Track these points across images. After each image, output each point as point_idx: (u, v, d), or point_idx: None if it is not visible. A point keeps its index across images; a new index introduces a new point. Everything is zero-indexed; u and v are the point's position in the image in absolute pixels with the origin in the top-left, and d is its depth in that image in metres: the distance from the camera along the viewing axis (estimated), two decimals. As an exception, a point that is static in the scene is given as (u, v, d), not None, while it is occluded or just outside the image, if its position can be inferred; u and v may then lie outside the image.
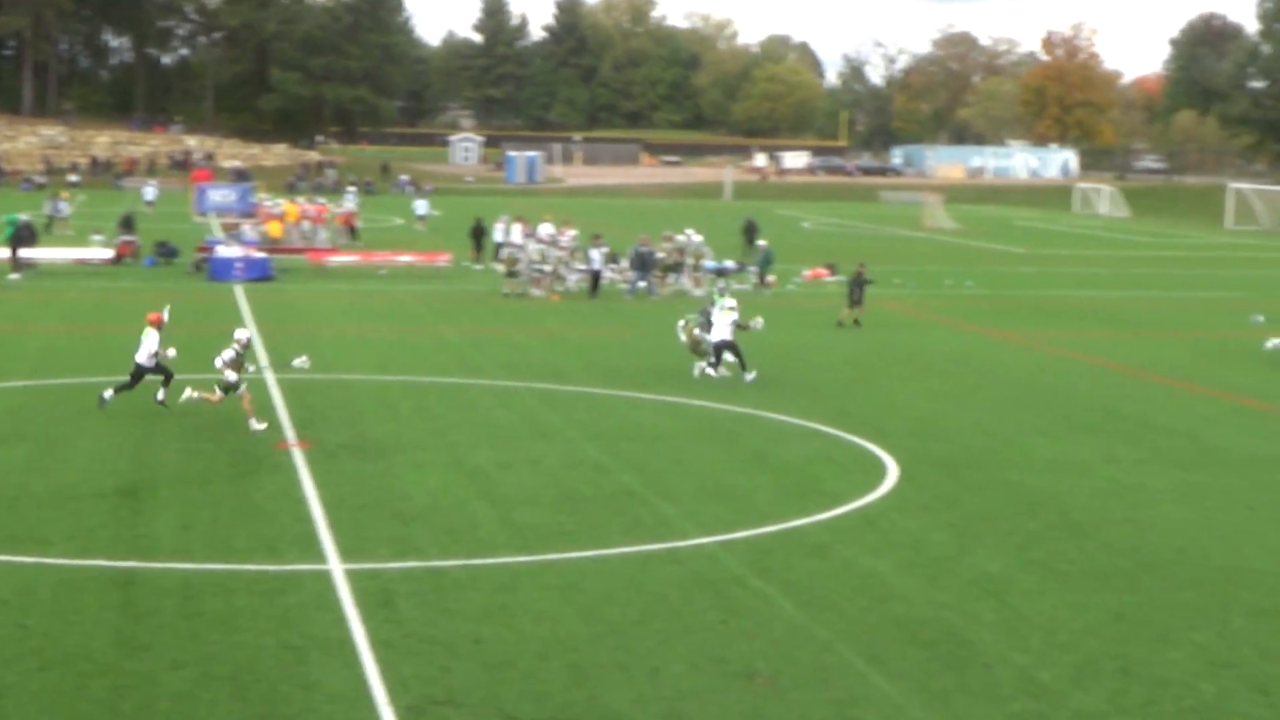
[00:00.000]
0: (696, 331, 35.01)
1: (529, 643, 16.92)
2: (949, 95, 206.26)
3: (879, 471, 25.96)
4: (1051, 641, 17.51)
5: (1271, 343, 28.42)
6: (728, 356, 34.43)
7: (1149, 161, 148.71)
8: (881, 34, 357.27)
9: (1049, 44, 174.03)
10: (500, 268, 53.75)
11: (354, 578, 18.98)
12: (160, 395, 28.98)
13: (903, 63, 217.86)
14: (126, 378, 29.38)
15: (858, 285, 45.38)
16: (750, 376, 34.05)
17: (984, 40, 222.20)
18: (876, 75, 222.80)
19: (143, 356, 28.98)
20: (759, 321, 35.19)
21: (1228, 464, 27.53)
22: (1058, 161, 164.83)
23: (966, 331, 45.02)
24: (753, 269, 56.78)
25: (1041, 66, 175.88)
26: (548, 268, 51.17)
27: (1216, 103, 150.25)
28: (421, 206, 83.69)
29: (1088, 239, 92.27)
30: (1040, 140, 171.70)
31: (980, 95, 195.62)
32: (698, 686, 15.86)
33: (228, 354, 28.31)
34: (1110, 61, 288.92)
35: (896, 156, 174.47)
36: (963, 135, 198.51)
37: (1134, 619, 18.41)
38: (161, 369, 29.18)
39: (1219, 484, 25.89)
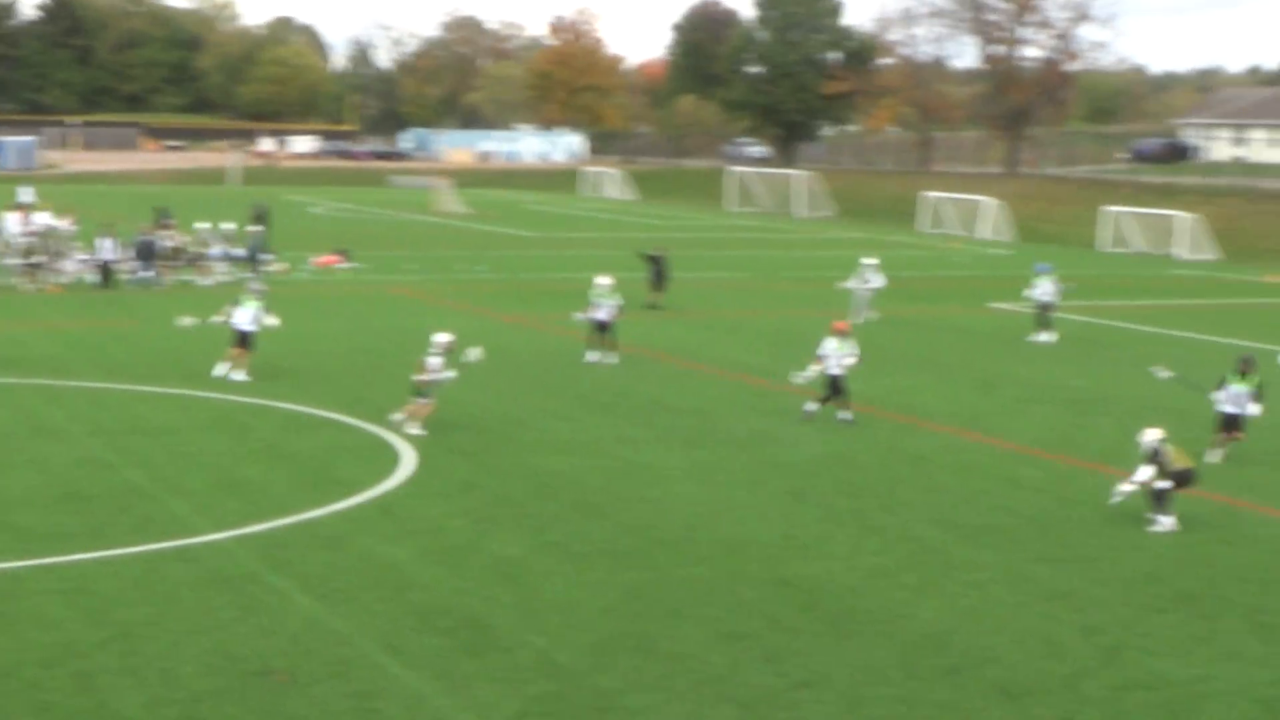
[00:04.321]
0: None
1: (32, 650, 16.19)
2: (457, 79, 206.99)
3: (395, 459, 25.82)
4: (569, 622, 17.70)
5: (1163, 374, 29.60)
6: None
7: (749, 148, 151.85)
8: (387, 17, 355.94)
9: (555, 29, 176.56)
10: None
11: None
12: None
13: (410, 46, 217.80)
14: None
15: (657, 268, 47.47)
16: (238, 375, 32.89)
17: (491, 24, 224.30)
18: (384, 59, 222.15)
19: None
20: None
21: (733, 441, 28.41)
22: (566, 145, 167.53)
23: (480, 316, 45.24)
24: (266, 256, 55.70)
25: (548, 51, 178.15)
26: (43, 258, 48.98)
27: (716, 87, 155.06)
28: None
29: (597, 222, 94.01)
30: (548, 124, 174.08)
31: (488, 79, 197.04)
32: (214, 687, 15.44)
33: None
34: (615, 47, 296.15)
35: (406, 141, 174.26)
36: (472, 119, 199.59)
37: (648, 596, 18.78)
38: None
39: (726, 461, 26.69)
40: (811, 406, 30.60)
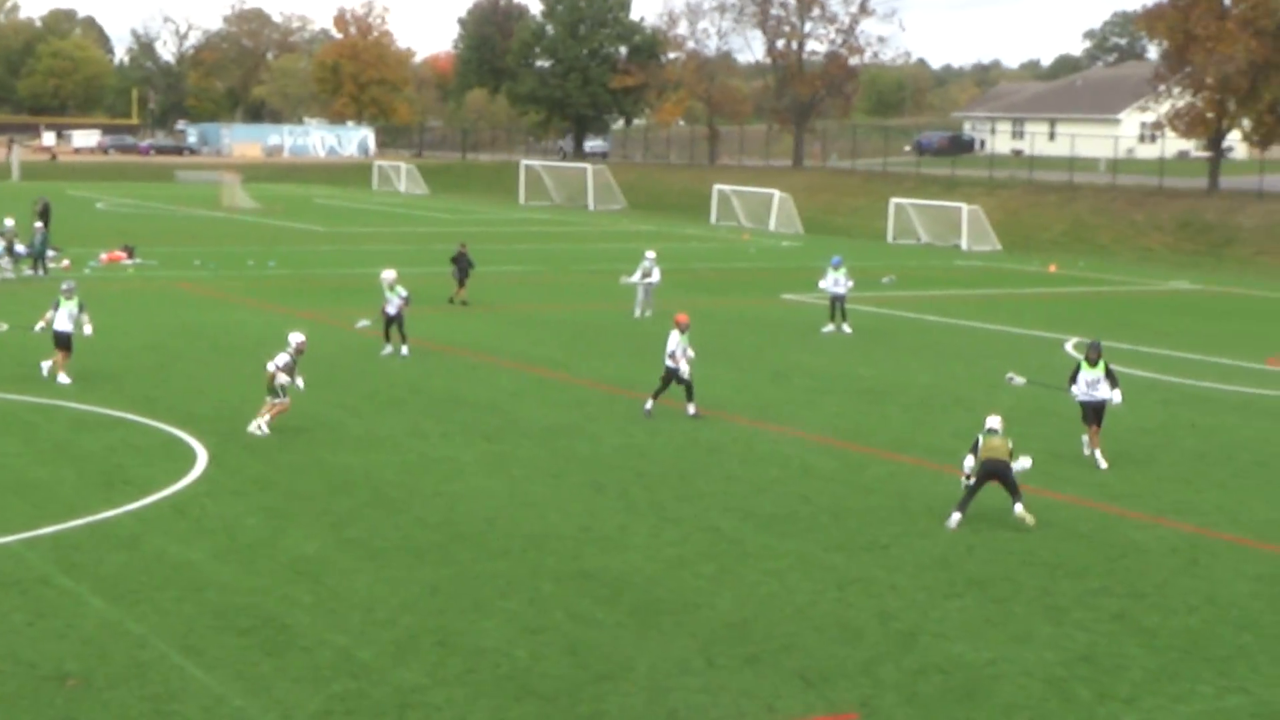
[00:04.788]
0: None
1: None
2: (243, 72, 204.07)
3: (188, 458, 25.45)
4: (370, 619, 17.60)
5: (1017, 380, 29.49)
6: None
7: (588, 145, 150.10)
8: (171, 9, 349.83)
9: (341, 21, 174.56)
10: None
11: None
12: None
13: (194, 39, 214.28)
14: None
15: (461, 264, 47.22)
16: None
17: (276, 17, 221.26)
18: (167, 52, 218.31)
19: None
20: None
21: (531, 434, 28.42)
22: (356, 139, 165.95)
23: (271, 312, 44.73)
24: (52, 252, 54.47)
25: (335, 44, 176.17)
26: None
27: (506, 81, 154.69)
28: None
29: (389, 216, 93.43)
30: (337, 118, 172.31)
31: (275, 72, 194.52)
32: (5, 692, 15.12)
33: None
34: (403, 40, 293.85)
35: (192, 135, 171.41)
36: (259, 113, 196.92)
37: (449, 591, 18.73)
38: None
39: (523, 454, 26.70)
40: (649, 405, 30.65)
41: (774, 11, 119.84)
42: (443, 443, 27.45)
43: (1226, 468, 27.42)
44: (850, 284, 43.97)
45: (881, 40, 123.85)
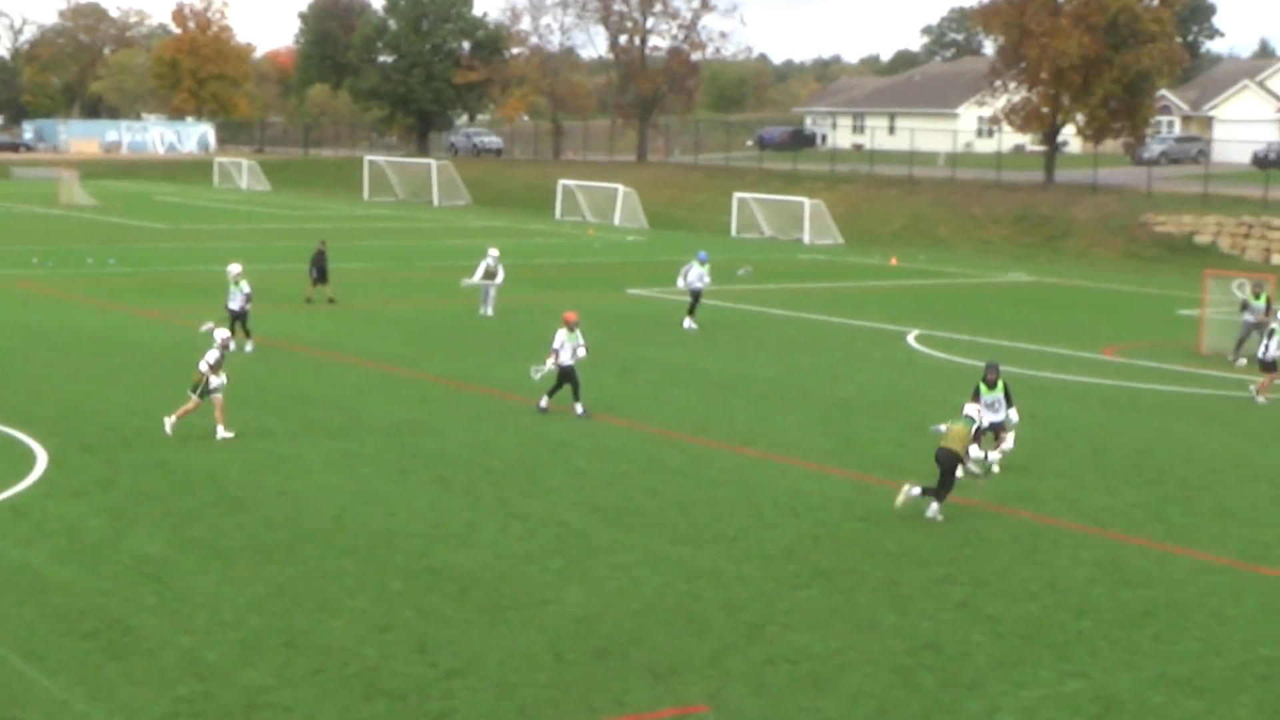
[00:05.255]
0: None
1: None
2: (80, 68, 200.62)
3: (27, 459, 25.02)
4: (216, 620, 17.44)
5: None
6: None
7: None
8: (4, 4, 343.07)
9: (180, 16, 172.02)
10: None
11: None
12: None
13: (29, 34, 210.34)
14: None
15: (318, 262, 46.72)
16: None
17: (114, 11, 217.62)
18: (1, 47, 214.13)
19: None
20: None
21: (377, 430, 28.28)
22: (195, 135, 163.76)
23: (111, 310, 44.04)
24: None
25: (174, 39, 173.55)
26: None
27: (348, 76, 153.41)
28: None
29: (230, 213, 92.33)
30: (177, 114, 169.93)
31: (112, 68, 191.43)
32: None
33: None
34: (243, 35, 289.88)
35: (28, 131, 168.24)
36: (96, 109, 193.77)
37: (296, 590, 18.60)
38: None
39: (369, 451, 26.56)
40: (544, 402, 30.56)
41: (616, 7, 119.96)
42: (288, 440, 27.21)
43: (1065, 457, 27.93)
44: (709, 280, 44.27)
45: (723, 36, 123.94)
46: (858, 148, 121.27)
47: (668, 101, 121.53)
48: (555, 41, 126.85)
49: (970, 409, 23.87)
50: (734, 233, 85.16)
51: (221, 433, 27.06)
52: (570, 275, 59.47)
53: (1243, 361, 39.35)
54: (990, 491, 24.68)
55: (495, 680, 15.97)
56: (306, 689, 15.56)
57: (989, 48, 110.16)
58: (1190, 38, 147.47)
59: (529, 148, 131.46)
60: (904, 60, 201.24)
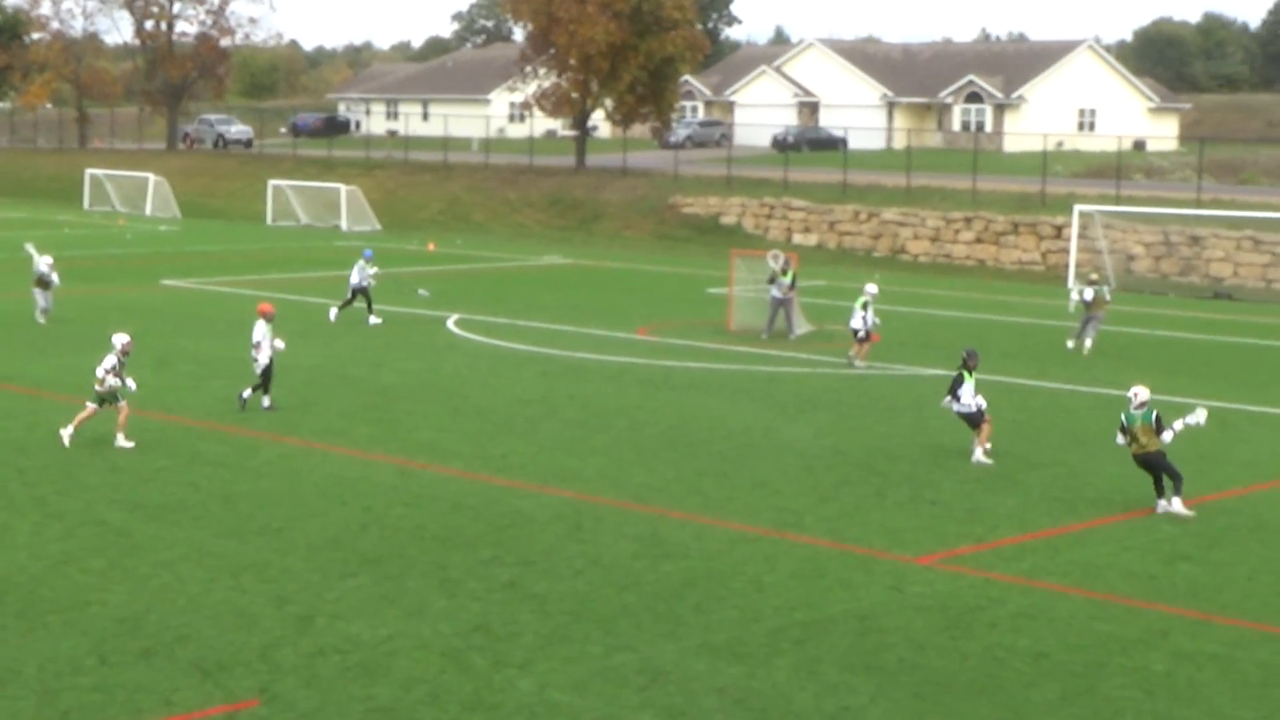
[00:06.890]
0: None
1: None
2: None
3: None
4: None
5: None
6: None
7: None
8: None
9: None
10: None
11: None
12: None
13: None
14: None
15: None
16: None
17: None
18: None
19: None
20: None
21: (-103, 434, 27.05)
22: None
23: None
24: None
25: None
26: None
27: None
28: None
29: None
30: None
31: None
32: None
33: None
34: None
35: None
36: None
37: None
38: None
39: (-110, 456, 25.38)
40: (246, 393, 30.03)
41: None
42: None
43: (605, 435, 28.58)
44: (374, 271, 43.83)
45: (253, 21, 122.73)
46: (392, 134, 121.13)
47: (197, 88, 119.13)
48: (78, 27, 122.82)
49: (962, 402, 24.70)
50: (270, 220, 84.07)
51: (121, 441, 26.21)
52: (103, 267, 57.78)
53: (765, 336, 41.02)
54: (530, 471, 25.12)
55: (36, 686, 15.50)
56: None
57: (519, 34, 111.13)
58: (711, 24, 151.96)
59: (53, 136, 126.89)
60: (436, 47, 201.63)
